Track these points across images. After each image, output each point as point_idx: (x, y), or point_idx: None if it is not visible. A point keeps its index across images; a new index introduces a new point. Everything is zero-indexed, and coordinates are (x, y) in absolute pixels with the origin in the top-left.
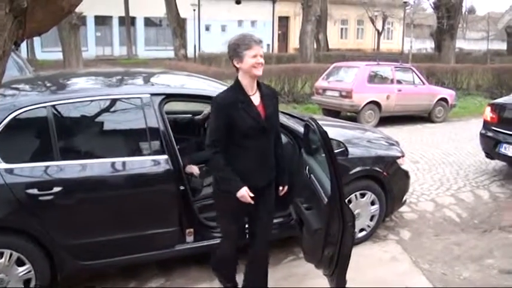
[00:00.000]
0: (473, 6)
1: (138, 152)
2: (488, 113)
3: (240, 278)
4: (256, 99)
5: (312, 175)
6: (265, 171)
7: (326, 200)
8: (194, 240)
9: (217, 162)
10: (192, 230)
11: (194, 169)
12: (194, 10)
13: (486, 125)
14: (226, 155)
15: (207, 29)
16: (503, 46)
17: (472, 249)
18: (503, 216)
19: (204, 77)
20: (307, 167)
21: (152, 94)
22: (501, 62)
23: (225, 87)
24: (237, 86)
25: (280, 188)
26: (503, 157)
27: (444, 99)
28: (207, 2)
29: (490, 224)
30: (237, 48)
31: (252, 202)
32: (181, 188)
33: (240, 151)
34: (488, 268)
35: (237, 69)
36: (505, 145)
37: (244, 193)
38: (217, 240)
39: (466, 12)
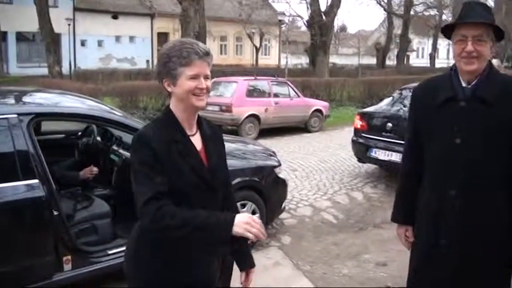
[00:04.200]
0: (345, 25)
1: (5, 178)
2: (358, 122)
3: None
4: (197, 141)
5: None
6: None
7: None
8: (72, 268)
9: (176, 216)
10: (69, 257)
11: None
12: (69, 25)
13: (357, 132)
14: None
15: (83, 44)
16: (373, 61)
17: (349, 247)
18: (376, 214)
19: (79, 94)
20: None
21: (19, 114)
22: (371, 75)
23: (105, 107)
24: (170, 120)
25: (243, 278)
26: (375, 160)
27: (319, 110)
28: (83, 17)
29: (365, 223)
30: (167, 62)
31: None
32: (55, 213)
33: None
34: (365, 263)
35: (169, 94)
36: (375, 150)
37: (251, 221)
38: (97, 266)
39: (338, 30)
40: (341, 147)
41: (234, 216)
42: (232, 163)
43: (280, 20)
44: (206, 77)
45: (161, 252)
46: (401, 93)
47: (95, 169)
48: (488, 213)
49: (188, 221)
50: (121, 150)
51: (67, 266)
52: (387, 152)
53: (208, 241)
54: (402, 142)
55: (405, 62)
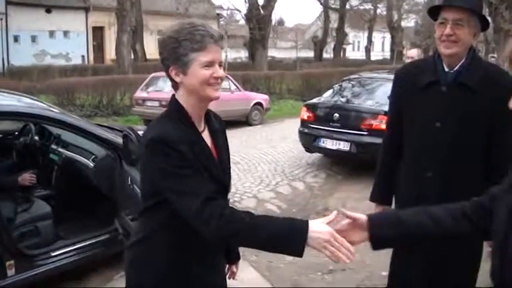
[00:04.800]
0: (282, 19)
1: None
2: (304, 113)
3: None
4: (207, 138)
5: (134, 185)
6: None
7: None
8: (16, 273)
9: (244, 220)
10: (12, 262)
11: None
12: (1, 19)
13: (304, 123)
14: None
15: (16, 40)
16: (310, 54)
17: None
18: (318, 202)
19: (15, 92)
20: (129, 178)
21: None
22: (309, 68)
23: (43, 105)
24: (181, 116)
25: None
26: (323, 150)
27: (259, 104)
28: (15, 11)
29: (307, 211)
30: (177, 48)
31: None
32: None
33: (188, 234)
34: (308, 249)
35: (176, 85)
36: (323, 139)
37: (331, 239)
38: (42, 269)
39: (276, 24)
40: (282, 139)
41: (307, 225)
42: None
43: (218, 14)
44: (220, 64)
45: (169, 253)
46: (341, 85)
47: (34, 176)
48: (465, 195)
49: (258, 227)
50: (60, 149)
51: (10, 271)
52: (335, 141)
53: (276, 250)
54: (349, 131)
55: (342, 55)
